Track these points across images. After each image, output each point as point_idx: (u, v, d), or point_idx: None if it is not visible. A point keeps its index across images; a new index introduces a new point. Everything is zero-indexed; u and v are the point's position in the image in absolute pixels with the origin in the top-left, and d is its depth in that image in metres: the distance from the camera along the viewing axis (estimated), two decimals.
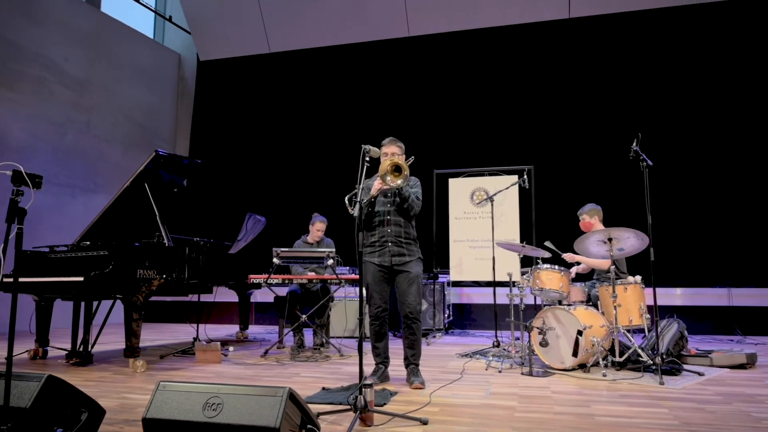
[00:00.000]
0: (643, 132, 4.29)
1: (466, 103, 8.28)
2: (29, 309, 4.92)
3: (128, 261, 4.14)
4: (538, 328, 4.14)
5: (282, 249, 5.04)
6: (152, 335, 6.76)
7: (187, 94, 10.27)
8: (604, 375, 3.76)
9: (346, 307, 6.28)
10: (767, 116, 7.06)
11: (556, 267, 4.43)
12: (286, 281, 5.14)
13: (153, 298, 4.51)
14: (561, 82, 7.91)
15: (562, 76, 7.93)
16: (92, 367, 4.32)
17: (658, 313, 3.90)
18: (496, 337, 5.22)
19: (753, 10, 7.26)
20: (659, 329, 4.25)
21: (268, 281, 5.04)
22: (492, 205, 5.60)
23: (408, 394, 3.25)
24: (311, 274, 5.31)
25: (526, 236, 6.65)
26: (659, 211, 6.84)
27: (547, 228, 6.95)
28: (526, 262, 5.21)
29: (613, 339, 4.08)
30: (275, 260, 4.97)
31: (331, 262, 4.97)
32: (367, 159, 3.08)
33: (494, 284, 5.44)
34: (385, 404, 2.96)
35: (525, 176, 5.37)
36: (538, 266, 4.47)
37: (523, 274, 4.64)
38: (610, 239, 4.06)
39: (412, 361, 3.56)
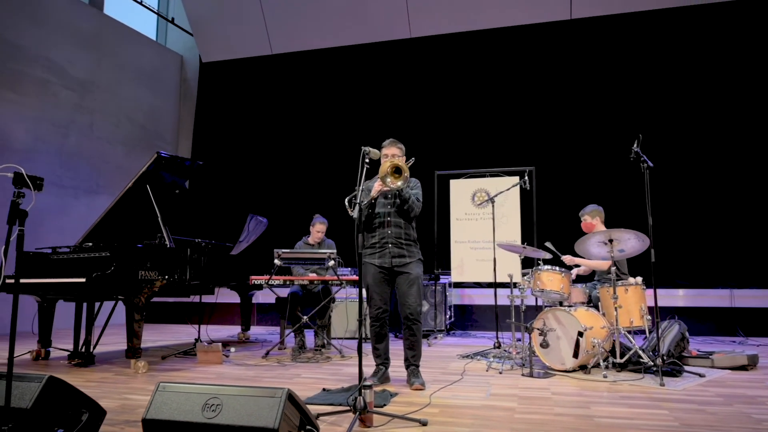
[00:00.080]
0: (646, 133, 4.30)
1: (467, 104, 8.28)
2: (32, 310, 4.94)
3: (130, 262, 4.15)
4: (538, 329, 4.14)
5: (283, 250, 5.05)
6: (154, 336, 6.78)
7: (189, 96, 10.30)
8: (605, 376, 3.76)
9: (347, 308, 6.29)
10: None
11: (557, 268, 4.43)
12: (288, 282, 5.15)
13: (155, 299, 4.53)
14: (562, 83, 7.91)
15: (563, 77, 7.92)
16: (94, 367, 4.34)
17: (659, 314, 3.89)
18: (497, 338, 5.23)
19: (755, 11, 7.25)
20: (660, 330, 4.25)
21: (270, 282, 5.05)
22: (493, 206, 5.60)
23: (408, 395, 3.26)
24: (312, 275, 5.32)
25: (527, 237, 6.65)
26: (661, 212, 6.84)
27: (548, 229, 6.94)
28: (528, 263, 5.21)
29: (614, 340, 4.08)
30: (276, 261, 4.98)
31: (332, 263, 4.98)
32: (367, 161, 3.09)
33: (495, 285, 5.44)
34: (385, 405, 2.96)
35: (526, 177, 5.37)
36: (539, 267, 4.47)
37: (524, 275, 4.65)
38: (610, 240, 4.06)
39: (412, 362, 3.56)
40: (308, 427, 2.12)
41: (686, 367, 4.03)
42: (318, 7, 8.86)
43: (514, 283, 4.84)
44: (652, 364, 3.78)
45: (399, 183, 3.35)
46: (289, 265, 5.30)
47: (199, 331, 5.40)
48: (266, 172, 9.21)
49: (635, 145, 4.00)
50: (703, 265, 6.96)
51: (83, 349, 4.44)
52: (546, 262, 4.97)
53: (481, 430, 2.53)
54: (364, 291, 3.47)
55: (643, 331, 4.29)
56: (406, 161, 3.56)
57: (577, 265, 4.89)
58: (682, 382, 3.64)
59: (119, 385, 3.61)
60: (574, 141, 7.69)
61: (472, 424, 2.63)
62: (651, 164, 3.98)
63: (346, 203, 3.30)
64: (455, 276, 6.92)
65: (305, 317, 5.04)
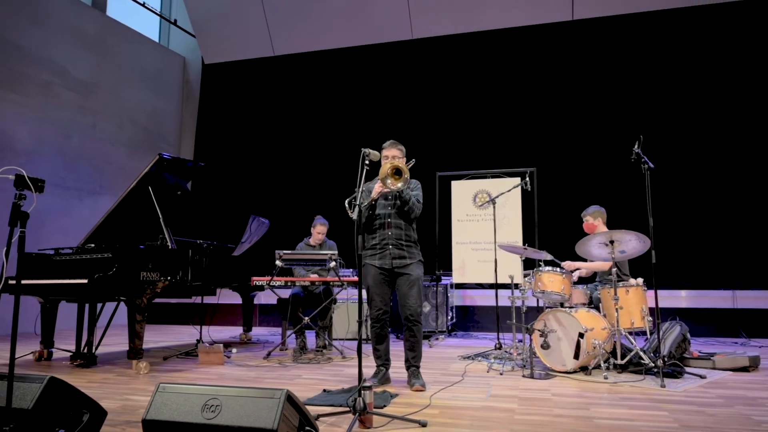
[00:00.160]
0: (648, 134, 4.30)
1: (468, 105, 8.29)
2: (35, 311, 4.96)
3: (131, 263, 4.17)
4: (539, 330, 4.14)
5: (285, 251, 5.06)
6: (156, 337, 6.80)
7: (191, 97, 10.34)
8: (606, 377, 3.75)
9: (348, 310, 6.30)
10: None
11: (558, 269, 4.43)
12: (289, 283, 5.16)
13: (157, 300, 4.54)
14: (564, 84, 7.91)
15: (564, 78, 7.92)
16: (96, 368, 4.36)
17: (659, 315, 3.89)
18: (498, 339, 5.23)
19: (757, 12, 7.24)
20: (662, 332, 4.25)
21: (271, 283, 5.07)
22: (494, 207, 5.60)
23: (408, 396, 3.26)
24: (314, 277, 5.33)
25: (528, 238, 6.65)
26: (664, 213, 6.84)
27: (549, 230, 6.95)
28: (530, 264, 5.21)
29: (615, 341, 4.08)
30: (278, 262, 4.99)
31: (333, 264, 4.99)
32: (367, 162, 3.10)
33: (496, 286, 5.44)
34: (385, 406, 2.97)
35: (527, 178, 5.37)
36: (540, 268, 4.47)
37: (525, 276, 4.65)
38: (611, 242, 4.06)
39: (412, 363, 3.57)
40: (307, 428, 2.13)
41: (687, 369, 4.02)
42: (320, 8, 8.88)
43: (515, 284, 4.84)
44: (653, 365, 3.78)
45: (399, 184, 3.36)
46: (291, 266, 5.31)
47: (200, 332, 5.42)
48: (268, 173, 9.23)
49: (636, 146, 4.00)
50: (706, 266, 6.95)
51: (85, 350, 4.46)
52: (547, 263, 4.97)
53: (480, 431, 2.53)
54: (364, 292, 3.49)
55: (644, 333, 4.28)
56: (406, 163, 3.58)
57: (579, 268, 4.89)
58: (683, 384, 3.63)
59: (121, 386, 3.63)
60: (575, 142, 7.68)
61: (472, 425, 2.64)
62: (652, 165, 3.98)
63: (346, 205, 3.31)
64: (457, 277, 6.93)
65: (306, 318, 5.05)
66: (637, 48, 7.68)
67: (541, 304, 4.94)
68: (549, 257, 4.70)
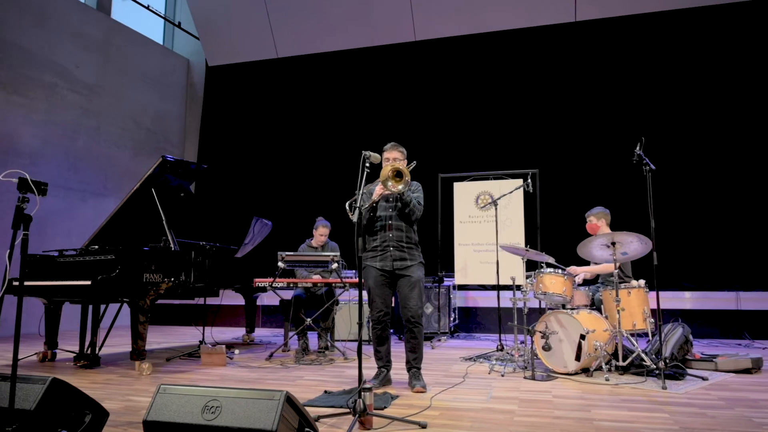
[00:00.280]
0: (652, 135, 4.29)
1: (471, 106, 8.30)
2: (39, 312, 5.00)
3: (135, 265, 4.19)
4: (540, 332, 4.14)
5: (287, 253, 5.08)
6: (159, 338, 6.83)
7: (195, 99, 10.38)
8: (607, 379, 3.75)
9: (350, 311, 6.31)
10: None
11: (560, 271, 4.43)
12: (291, 285, 5.18)
13: (160, 301, 4.57)
14: (566, 86, 7.91)
15: (567, 80, 7.92)
16: (99, 369, 4.38)
17: (661, 317, 3.89)
18: (500, 341, 5.23)
19: (760, 13, 7.21)
20: (663, 333, 4.24)
21: (273, 285, 5.08)
22: (496, 208, 5.60)
23: (409, 398, 3.27)
24: (316, 278, 5.34)
25: (530, 240, 6.65)
26: (668, 214, 6.83)
27: (551, 232, 6.94)
28: (532, 265, 5.21)
29: (617, 343, 4.07)
30: (280, 264, 5.01)
31: (335, 265, 5.00)
32: (367, 165, 3.11)
33: (498, 288, 5.45)
34: (385, 407, 2.98)
35: (529, 180, 5.37)
36: (542, 270, 4.47)
37: (527, 277, 4.65)
38: (613, 243, 4.05)
39: (414, 364, 3.58)
40: (307, 429, 2.15)
41: (689, 371, 4.01)
42: (323, 10, 8.91)
43: (517, 286, 4.84)
44: (655, 367, 3.77)
45: (400, 187, 3.37)
46: (293, 268, 5.33)
47: (203, 333, 5.44)
48: (271, 174, 9.27)
49: (638, 148, 4.00)
50: (709, 268, 6.93)
51: (89, 351, 4.49)
52: (549, 265, 4.96)
53: None
54: (365, 294, 3.50)
55: (646, 334, 4.28)
56: (407, 165, 3.59)
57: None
58: (685, 386, 3.63)
59: (123, 387, 3.65)
60: (577, 144, 7.68)
61: (471, 426, 2.64)
62: (653, 167, 3.98)
63: (347, 207, 3.32)
64: (459, 278, 6.93)
65: (309, 320, 5.06)
66: (640, 49, 7.66)
67: (542, 305, 4.93)
68: (551, 260, 4.70)
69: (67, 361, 4.80)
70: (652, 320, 4.09)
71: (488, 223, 6.62)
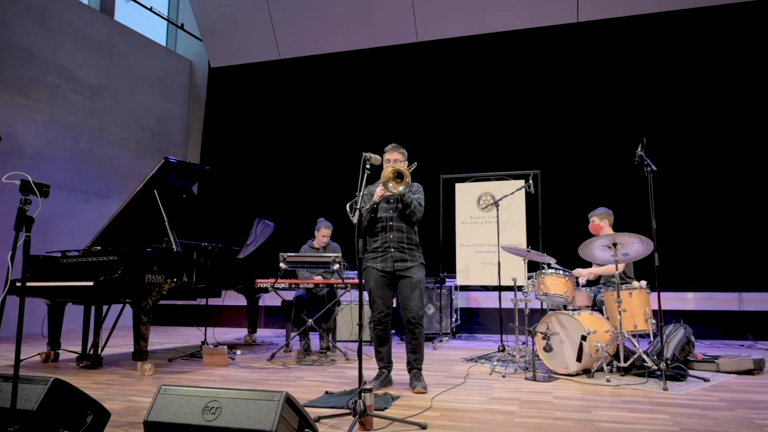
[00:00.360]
0: (653, 136, 4.29)
1: (473, 107, 8.30)
2: (42, 313, 5.02)
3: (137, 266, 4.21)
4: (541, 332, 4.14)
5: (289, 254, 5.09)
6: (162, 338, 6.85)
7: (198, 100, 10.41)
8: (608, 380, 3.75)
9: (352, 312, 6.31)
10: None
11: (561, 272, 4.43)
12: (293, 286, 5.19)
13: (162, 302, 4.58)
14: (568, 87, 7.90)
15: (568, 81, 7.91)
16: (102, 369, 4.40)
17: (663, 318, 3.88)
18: (502, 341, 5.23)
19: (762, 14, 7.19)
20: (665, 334, 4.24)
21: (275, 286, 5.09)
22: (498, 209, 5.60)
23: (410, 399, 3.28)
24: (318, 279, 5.35)
25: (532, 241, 6.65)
26: (671, 215, 6.83)
27: (553, 232, 6.94)
28: (533, 266, 5.21)
29: (618, 344, 4.07)
30: (282, 265, 5.02)
31: (337, 266, 5.01)
32: (368, 166, 3.12)
33: (499, 289, 5.45)
34: (386, 408, 2.98)
35: (531, 181, 5.37)
36: (543, 271, 4.47)
37: (529, 278, 4.65)
38: (614, 244, 4.05)
39: (414, 365, 3.58)
40: (306, 430, 2.15)
41: (691, 372, 4.00)
42: (325, 12, 8.93)
43: (519, 287, 4.84)
44: (656, 368, 3.77)
45: (401, 188, 3.37)
46: (295, 269, 5.34)
47: (205, 334, 5.46)
48: (273, 175, 9.28)
49: (639, 149, 4.00)
50: (712, 268, 6.91)
51: (91, 352, 4.51)
52: (551, 265, 4.96)
53: None
54: (366, 295, 3.51)
55: (647, 335, 4.27)
56: (408, 166, 3.60)
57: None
58: (686, 387, 3.62)
59: (125, 387, 3.67)
60: (579, 144, 7.67)
61: (471, 427, 2.65)
62: (654, 168, 3.97)
63: (348, 209, 3.33)
64: (461, 279, 6.93)
65: (310, 320, 5.07)
66: (642, 50, 7.65)
67: (544, 306, 4.93)
68: (552, 261, 4.69)
69: (69, 361, 4.83)
70: (654, 321, 4.09)
71: (490, 224, 6.62)
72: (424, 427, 2.60)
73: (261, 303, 7.35)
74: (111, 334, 4.81)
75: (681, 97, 7.41)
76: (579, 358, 3.95)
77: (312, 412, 2.62)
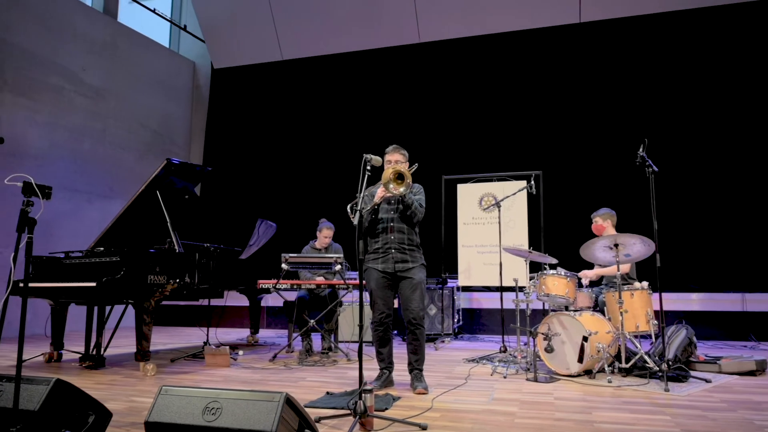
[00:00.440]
0: (655, 137, 4.28)
1: (474, 108, 8.30)
2: (45, 313, 5.05)
3: (139, 267, 4.23)
4: (543, 333, 4.14)
5: (290, 255, 5.10)
6: (164, 339, 6.87)
7: (201, 102, 10.44)
8: (610, 381, 3.75)
9: (353, 312, 6.33)
10: None
11: (562, 272, 4.43)
12: (295, 286, 5.20)
13: (165, 302, 4.60)
14: (570, 87, 7.89)
15: (571, 81, 7.90)
16: (104, 370, 4.42)
17: (664, 319, 3.88)
18: (503, 342, 5.23)
19: (765, 14, 7.17)
20: (667, 335, 4.23)
21: (277, 286, 5.11)
22: (500, 210, 5.61)
23: (411, 399, 3.29)
24: (320, 279, 5.36)
25: (534, 242, 6.64)
26: (673, 215, 6.81)
27: (555, 233, 6.93)
28: (535, 267, 5.21)
29: (619, 345, 4.07)
30: (284, 266, 5.03)
31: (339, 267, 5.02)
32: (369, 168, 3.13)
33: (501, 289, 5.44)
34: (386, 409, 2.99)
35: (532, 182, 5.37)
36: (544, 272, 4.47)
37: (531, 279, 4.65)
38: (616, 245, 4.05)
39: (415, 366, 3.59)
40: (307, 430, 2.16)
41: (692, 373, 3.99)
42: (328, 12, 8.94)
43: (520, 288, 4.84)
44: (658, 369, 3.77)
45: (401, 189, 3.38)
46: (297, 270, 5.35)
47: (207, 334, 5.47)
48: (275, 176, 9.30)
49: (641, 150, 4.00)
50: (715, 269, 6.89)
51: (94, 352, 4.53)
52: (552, 266, 4.96)
53: None
54: (367, 296, 3.51)
55: (649, 336, 4.27)
56: (409, 167, 3.60)
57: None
58: (687, 388, 3.62)
59: (127, 388, 3.68)
60: (581, 145, 7.66)
61: (472, 428, 2.65)
62: (656, 169, 3.97)
63: (348, 210, 3.34)
64: (462, 280, 6.93)
65: (312, 321, 5.08)
66: (644, 51, 7.64)
67: (545, 307, 4.93)
68: (554, 261, 4.69)
69: (72, 361, 4.85)
70: (656, 322, 4.09)
71: (492, 225, 6.61)
72: (424, 428, 2.60)
73: (263, 303, 7.37)
74: (114, 334, 4.83)
75: (683, 98, 7.39)
76: (580, 359, 3.95)
77: (313, 413, 2.63)
